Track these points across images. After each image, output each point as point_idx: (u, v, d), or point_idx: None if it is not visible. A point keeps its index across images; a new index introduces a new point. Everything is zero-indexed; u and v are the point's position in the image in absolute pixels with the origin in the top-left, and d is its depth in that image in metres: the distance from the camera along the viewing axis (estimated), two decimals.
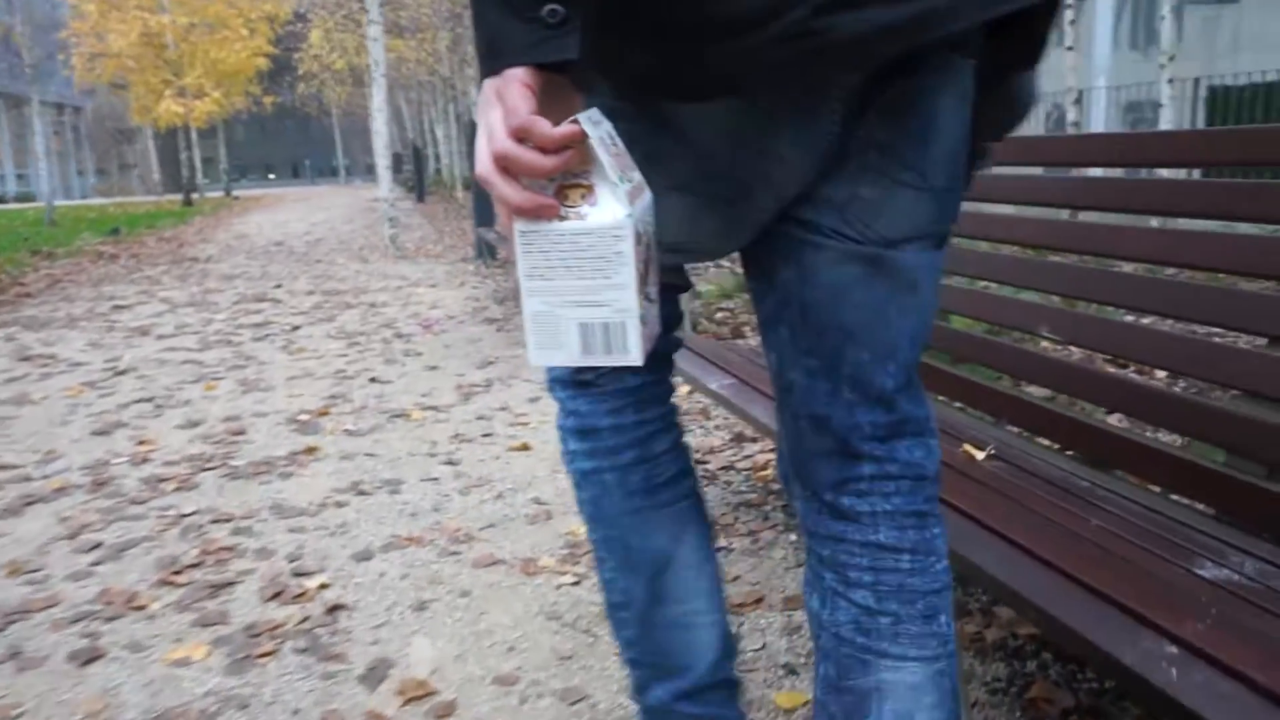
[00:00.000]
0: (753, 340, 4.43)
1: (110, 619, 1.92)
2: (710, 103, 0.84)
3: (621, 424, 1.08)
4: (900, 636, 0.91)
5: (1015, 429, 1.84)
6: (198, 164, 27.29)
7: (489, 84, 0.75)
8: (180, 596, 2.02)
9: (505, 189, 0.74)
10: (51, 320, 5.91)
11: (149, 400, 3.74)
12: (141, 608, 1.97)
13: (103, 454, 3.06)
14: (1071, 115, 8.76)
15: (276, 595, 2.01)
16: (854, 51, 0.78)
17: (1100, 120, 12.08)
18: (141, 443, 3.17)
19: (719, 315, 5.05)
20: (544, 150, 0.73)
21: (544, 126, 0.72)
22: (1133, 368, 3.44)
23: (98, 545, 2.31)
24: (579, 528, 2.31)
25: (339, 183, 45.79)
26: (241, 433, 3.24)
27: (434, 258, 8.95)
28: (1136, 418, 1.61)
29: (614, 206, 0.74)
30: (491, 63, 0.75)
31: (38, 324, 5.79)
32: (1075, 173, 2.17)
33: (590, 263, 0.75)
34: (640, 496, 1.10)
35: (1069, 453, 1.72)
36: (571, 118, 0.73)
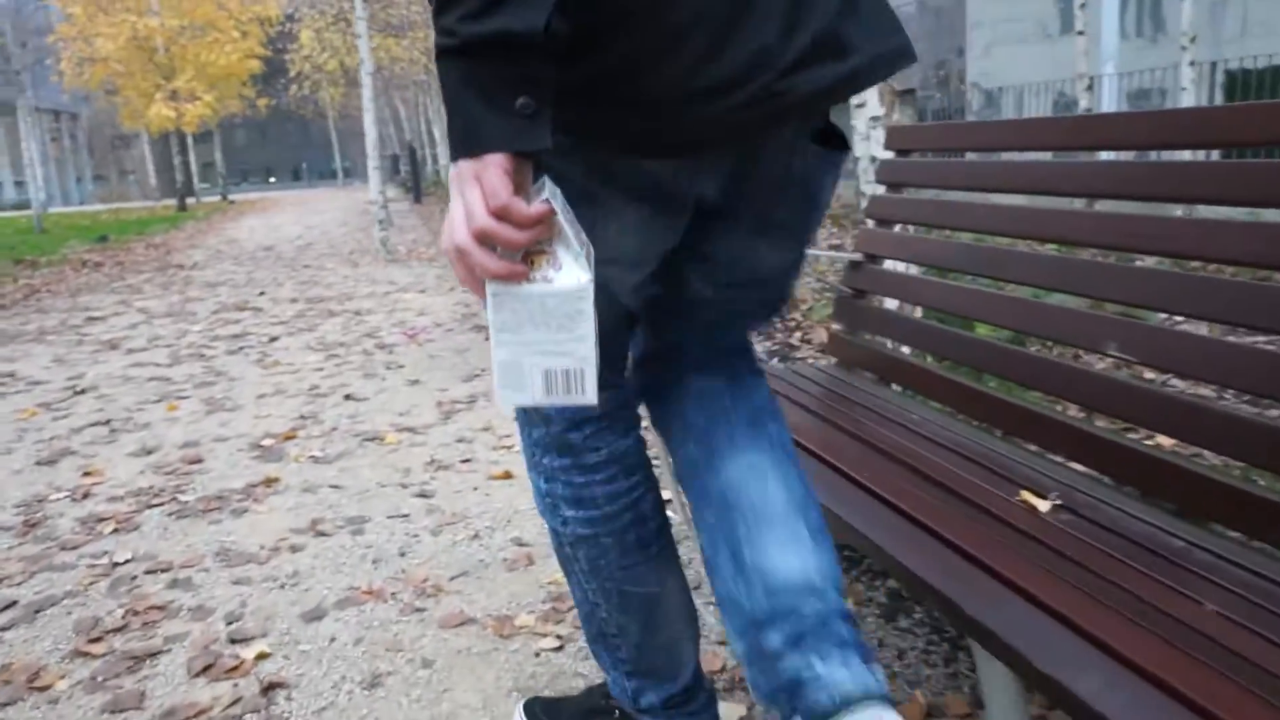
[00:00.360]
0: (757, 347, 4.13)
1: (4, 704, 1.63)
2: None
3: (616, 491, 1.15)
4: (735, 439, 1.12)
5: (1077, 465, 1.54)
6: (193, 168, 27.02)
7: (466, 165, 0.81)
8: (94, 671, 1.72)
9: (484, 259, 0.82)
10: (20, 334, 5.63)
11: (105, 424, 3.45)
12: (46, 688, 1.67)
13: (43, 488, 2.77)
14: (1084, 102, 8.44)
15: (206, 669, 1.71)
16: (806, 108, 0.93)
17: (1112, 107, 11.80)
18: (88, 474, 2.87)
19: None
20: (520, 227, 0.81)
21: (522, 207, 0.80)
22: (1171, 378, 3.15)
23: (12, 604, 2.01)
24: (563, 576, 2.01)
25: (337, 185, 45.51)
26: (198, 461, 2.94)
27: (426, 261, 8.65)
28: (1217, 451, 1.31)
29: (576, 272, 0.83)
30: (471, 149, 0.81)
31: (5, 338, 5.50)
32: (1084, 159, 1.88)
33: (555, 320, 0.83)
34: (635, 552, 1.17)
35: (1124, 487, 1.42)
36: (541, 196, 0.82)
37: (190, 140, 25.10)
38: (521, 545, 2.19)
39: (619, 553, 1.17)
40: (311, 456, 2.93)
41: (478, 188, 0.80)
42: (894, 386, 2.12)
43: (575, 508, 1.15)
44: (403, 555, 2.17)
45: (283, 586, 2.04)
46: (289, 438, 3.14)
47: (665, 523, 1.23)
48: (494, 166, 0.80)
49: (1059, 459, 1.57)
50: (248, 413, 3.50)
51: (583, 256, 0.84)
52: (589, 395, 0.86)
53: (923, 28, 21.02)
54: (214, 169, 32.26)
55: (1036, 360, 1.66)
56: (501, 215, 0.80)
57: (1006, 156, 3.38)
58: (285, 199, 29.87)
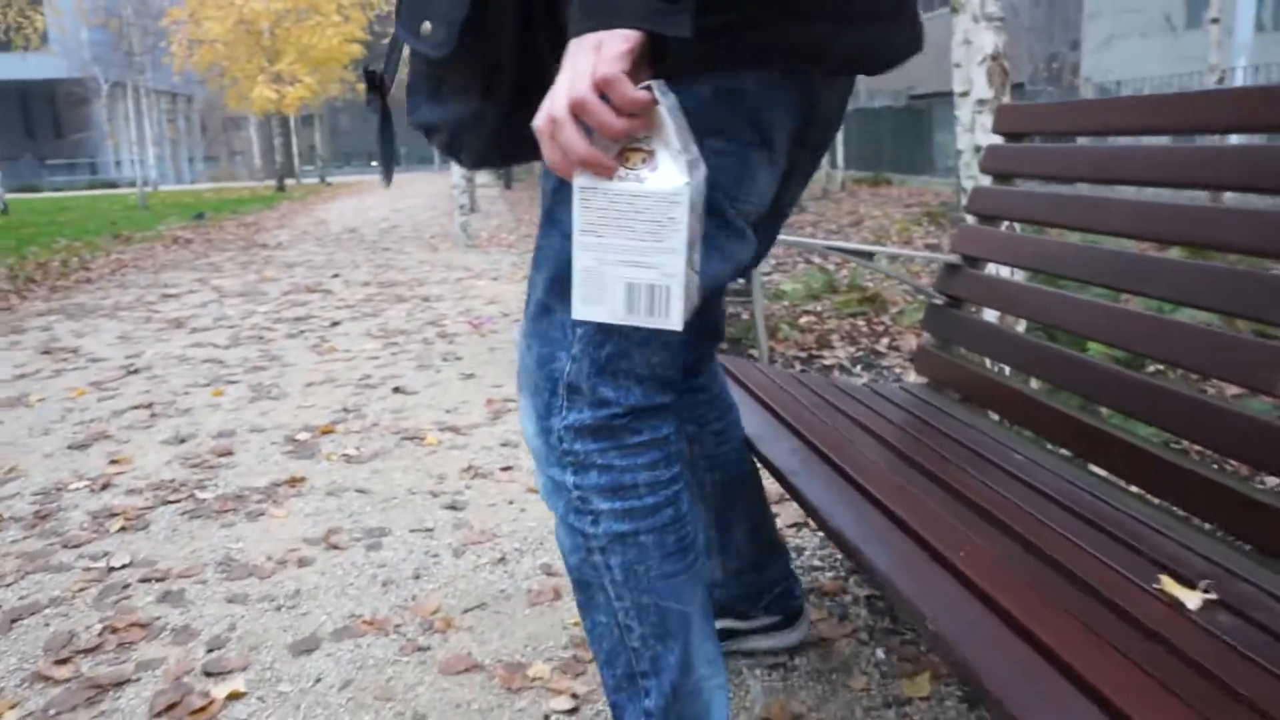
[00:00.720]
0: (841, 353, 3.79)
1: None
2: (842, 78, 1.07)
3: (658, 479, 1.00)
4: (740, 448, 1.42)
5: (1224, 534, 1.20)
6: (295, 150, 27.65)
7: (590, 36, 0.76)
8: (50, 701, 1.52)
9: (574, 138, 0.77)
10: (97, 309, 5.63)
11: (147, 407, 3.32)
12: None
13: (67, 475, 2.63)
14: None
15: (170, 709, 1.49)
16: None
17: None
18: (115, 461, 2.73)
19: (804, 320, 4.42)
20: (619, 109, 0.76)
21: (627, 86, 0.75)
22: None
23: None
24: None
25: (434, 170, 46.18)
26: (228, 454, 2.77)
27: (506, 247, 8.50)
28: None
29: (674, 174, 0.77)
30: (604, 19, 0.76)
31: (82, 312, 5.51)
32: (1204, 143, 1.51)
33: (644, 225, 0.77)
34: (676, 558, 1.02)
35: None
36: (644, 84, 0.76)
37: (294, 123, 25.64)
38: (550, 575, 1.93)
39: (659, 556, 1.00)
40: (345, 455, 2.72)
41: (592, 56, 0.75)
42: (991, 415, 1.79)
43: (612, 498, 0.98)
44: (417, 578, 1.94)
45: (279, 609, 1.82)
46: (326, 432, 2.95)
47: (699, 529, 1.11)
48: (617, 38, 0.75)
49: (1196, 521, 1.23)
50: (291, 402, 3.33)
51: (683, 160, 0.77)
52: (673, 318, 0.79)
53: (1034, 19, 20.04)
54: (315, 152, 33.01)
55: (1159, 390, 1.33)
56: (603, 88, 0.75)
57: (1123, 143, 3.00)
58: (380, 182, 30.24)
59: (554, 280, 0.98)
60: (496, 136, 1.03)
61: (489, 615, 1.78)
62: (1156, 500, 1.32)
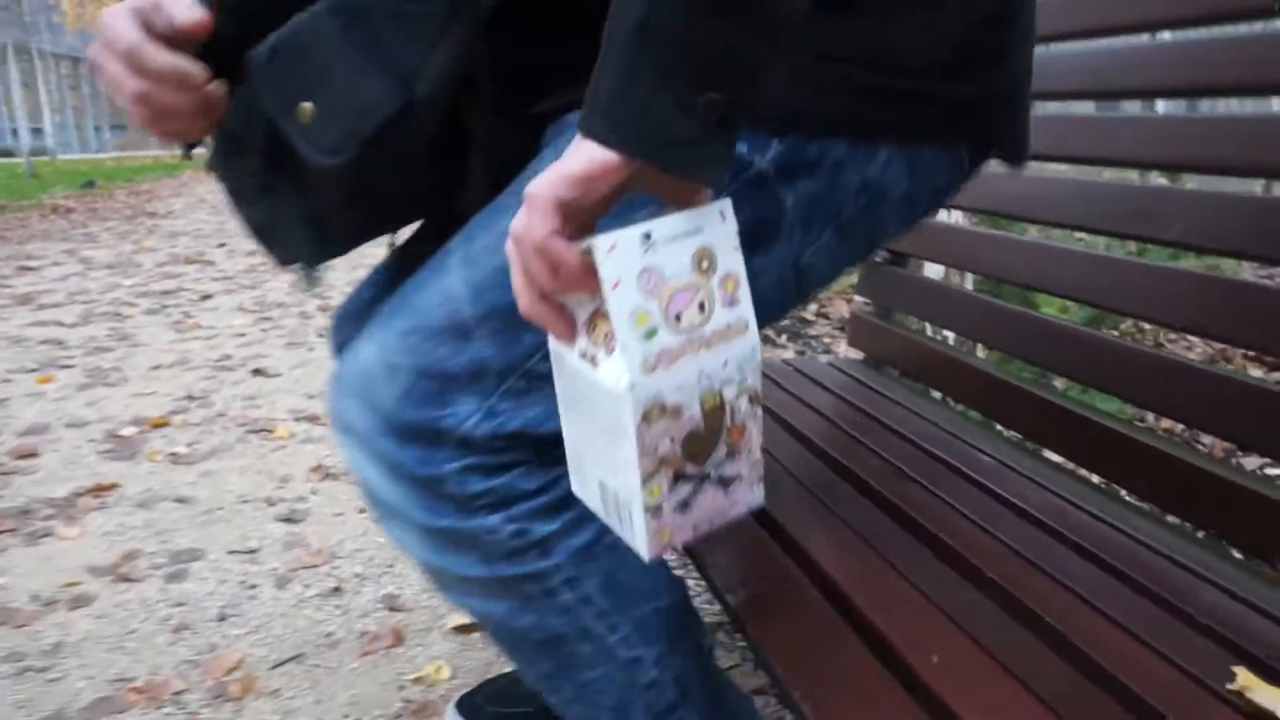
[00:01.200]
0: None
1: None
2: None
3: None
4: None
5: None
6: None
7: (579, 142, 0.52)
8: None
9: (519, 281, 0.55)
10: None
11: None
12: None
13: None
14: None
15: None
16: None
17: None
18: None
19: None
20: (543, 257, 0.53)
21: (541, 232, 0.51)
22: None
23: None
24: (436, 666, 1.35)
25: None
26: (31, 456, 2.28)
27: None
28: None
29: (620, 369, 0.52)
30: (598, 127, 0.51)
31: None
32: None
33: (602, 418, 0.55)
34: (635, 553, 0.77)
35: None
36: (588, 240, 0.50)
37: None
38: (394, 610, 1.52)
39: (630, 556, 0.72)
40: (173, 454, 2.26)
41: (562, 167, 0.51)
42: (933, 393, 1.43)
43: (555, 515, 0.73)
44: (222, 620, 1.51)
45: (24, 673, 1.38)
46: (159, 425, 2.48)
47: None
48: (584, 155, 0.50)
49: (1211, 540, 0.89)
50: (129, 389, 2.84)
51: (637, 354, 0.51)
52: (637, 541, 0.56)
53: None
54: None
55: (1120, 351, 1.01)
56: (539, 218, 0.51)
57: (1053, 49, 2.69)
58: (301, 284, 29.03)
59: (494, 289, 0.67)
60: (338, 243, 0.85)
61: (305, 671, 1.36)
62: (1155, 509, 0.98)
